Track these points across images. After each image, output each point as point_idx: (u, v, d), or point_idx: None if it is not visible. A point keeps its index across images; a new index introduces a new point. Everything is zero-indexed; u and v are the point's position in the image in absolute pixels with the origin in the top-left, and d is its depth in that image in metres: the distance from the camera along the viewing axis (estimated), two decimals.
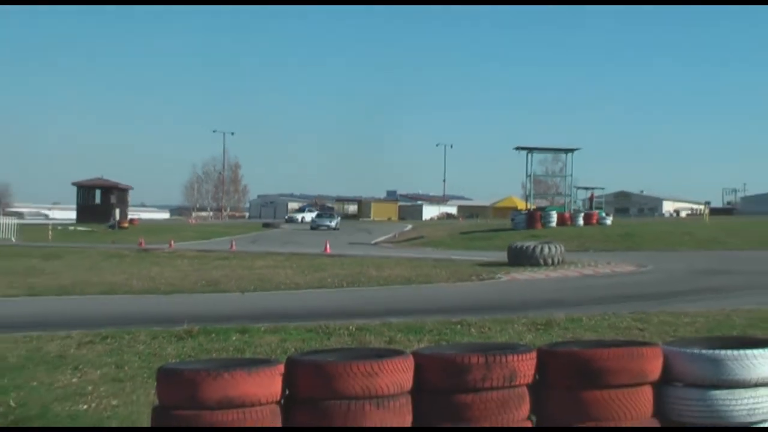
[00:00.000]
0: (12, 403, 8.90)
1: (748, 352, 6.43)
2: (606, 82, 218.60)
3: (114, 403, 8.92)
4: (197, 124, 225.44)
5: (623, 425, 6.27)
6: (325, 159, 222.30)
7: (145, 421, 6.61)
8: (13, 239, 53.99)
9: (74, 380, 10.11)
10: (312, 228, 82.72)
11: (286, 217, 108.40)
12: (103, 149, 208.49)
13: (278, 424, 5.91)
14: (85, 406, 8.78)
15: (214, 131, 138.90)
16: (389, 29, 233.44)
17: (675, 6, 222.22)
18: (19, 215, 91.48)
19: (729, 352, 6.45)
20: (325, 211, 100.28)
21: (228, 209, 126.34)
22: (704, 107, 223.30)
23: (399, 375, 6.01)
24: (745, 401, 6.37)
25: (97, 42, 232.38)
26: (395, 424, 5.99)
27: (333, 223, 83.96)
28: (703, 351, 6.53)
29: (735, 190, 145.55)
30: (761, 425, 6.44)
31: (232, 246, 46.66)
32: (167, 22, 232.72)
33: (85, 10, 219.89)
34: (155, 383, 6.10)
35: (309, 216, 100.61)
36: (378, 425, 5.90)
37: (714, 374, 6.38)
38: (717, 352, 6.47)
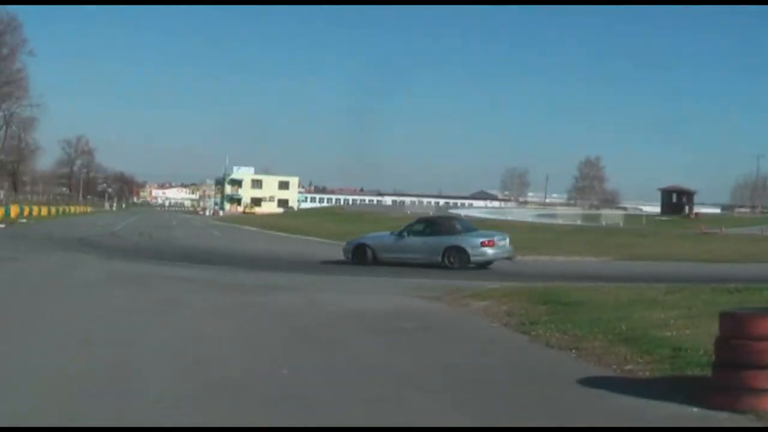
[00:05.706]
0: (623, 328, 8.94)
1: None
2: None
3: (687, 332, 8.61)
4: None
5: None
6: None
7: (708, 344, 6.47)
8: (620, 224, 53.28)
9: (662, 316, 9.95)
10: None
11: None
12: None
13: None
14: (669, 333, 8.59)
15: None
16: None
17: None
18: (624, 209, 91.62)
19: None
20: None
21: None
22: None
23: None
24: None
25: None
26: None
27: None
28: None
29: None
30: None
31: None
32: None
33: None
34: (717, 321, 5.97)
35: None
36: None
37: None
38: None
